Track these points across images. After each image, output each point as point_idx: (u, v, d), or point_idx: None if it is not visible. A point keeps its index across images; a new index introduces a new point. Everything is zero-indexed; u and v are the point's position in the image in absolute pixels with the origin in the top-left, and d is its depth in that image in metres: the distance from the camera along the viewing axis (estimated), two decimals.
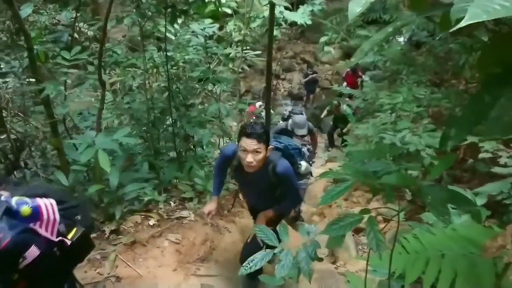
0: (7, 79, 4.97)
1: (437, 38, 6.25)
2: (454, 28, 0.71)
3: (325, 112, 10.20)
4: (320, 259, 1.79)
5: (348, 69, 10.70)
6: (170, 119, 4.61)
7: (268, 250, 1.81)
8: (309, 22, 5.97)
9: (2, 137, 3.87)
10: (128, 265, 3.21)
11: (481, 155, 3.53)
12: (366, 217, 1.40)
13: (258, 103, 8.27)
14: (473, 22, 0.65)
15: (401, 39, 7.72)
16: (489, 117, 0.95)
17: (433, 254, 1.60)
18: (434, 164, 3.94)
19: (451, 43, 5.98)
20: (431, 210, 1.26)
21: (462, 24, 0.67)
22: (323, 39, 7.87)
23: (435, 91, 5.45)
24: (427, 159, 3.94)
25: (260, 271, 2.43)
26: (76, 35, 5.11)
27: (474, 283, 1.47)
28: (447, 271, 1.53)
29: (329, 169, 4.95)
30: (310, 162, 4.89)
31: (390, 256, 1.51)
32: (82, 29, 5.78)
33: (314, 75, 13.24)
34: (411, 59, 6.63)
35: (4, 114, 4.02)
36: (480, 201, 2.46)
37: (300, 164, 3.26)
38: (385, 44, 6.27)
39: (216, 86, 5.27)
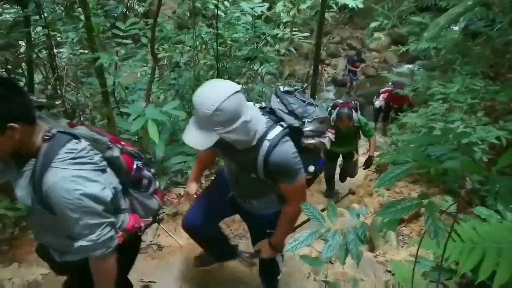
0: (62, 50, 5.17)
1: (496, 28, 5.89)
2: None
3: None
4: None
5: (390, 86, 8.40)
6: None
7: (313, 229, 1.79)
8: (361, 6, 5.80)
9: (57, 102, 4.04)
10: (169, 235, 3.30)
11: None
12: (425, 202, 1.35)
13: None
14: None
15: (456, 28, 7.35)
16: None
17: (491, 246, 1.52)
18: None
19: (511, 35, 5.63)
20: (499, 199, 1.20)
21: None
22: (373, 24, 7.61)
23: (490, 84, 5.16)
24: (478, 153, 3.76)
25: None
26: (126, 11, 5.23)
27: None
28: (505, 266, 1.46)
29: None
30: None
31: (445, 244, 1.45)
32: (132, 4, 5.90)
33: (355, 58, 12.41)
34: (466, 49, 6.30)
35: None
36: None
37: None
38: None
39: (261, 67, 5.23)
